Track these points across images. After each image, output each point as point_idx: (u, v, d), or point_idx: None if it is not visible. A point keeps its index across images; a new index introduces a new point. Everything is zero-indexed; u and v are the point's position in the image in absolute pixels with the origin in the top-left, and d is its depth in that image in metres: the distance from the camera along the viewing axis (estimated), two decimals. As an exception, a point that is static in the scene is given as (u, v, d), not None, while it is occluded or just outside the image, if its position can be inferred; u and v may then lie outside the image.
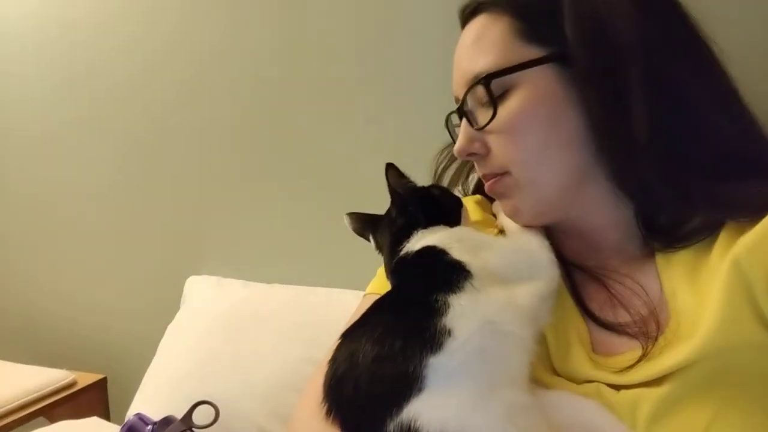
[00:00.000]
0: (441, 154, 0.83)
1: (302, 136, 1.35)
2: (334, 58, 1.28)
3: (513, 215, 0.64)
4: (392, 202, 0.66)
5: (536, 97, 0.58)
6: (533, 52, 0.58)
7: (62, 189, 1.69)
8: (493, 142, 0.61)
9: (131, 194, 1.59)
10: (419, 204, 0.64)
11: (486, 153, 0.62)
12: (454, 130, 0.69)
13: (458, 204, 0.66)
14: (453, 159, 0.81)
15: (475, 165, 0.65)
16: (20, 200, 1.77)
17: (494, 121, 0.59)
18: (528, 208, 0.62)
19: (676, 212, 0.58)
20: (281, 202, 1.40)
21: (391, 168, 0.65)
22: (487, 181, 0.64)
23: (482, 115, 0.60)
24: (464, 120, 0.63)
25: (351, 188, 1.28)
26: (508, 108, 0.59)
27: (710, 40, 0.59)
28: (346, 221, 0.71)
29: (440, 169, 0.83)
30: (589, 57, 0.56)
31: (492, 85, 0.58)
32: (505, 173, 0.61)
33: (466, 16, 0.65)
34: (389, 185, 0.65)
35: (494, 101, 0.59)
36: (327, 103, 1.31)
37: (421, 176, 0.70)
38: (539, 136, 0.59)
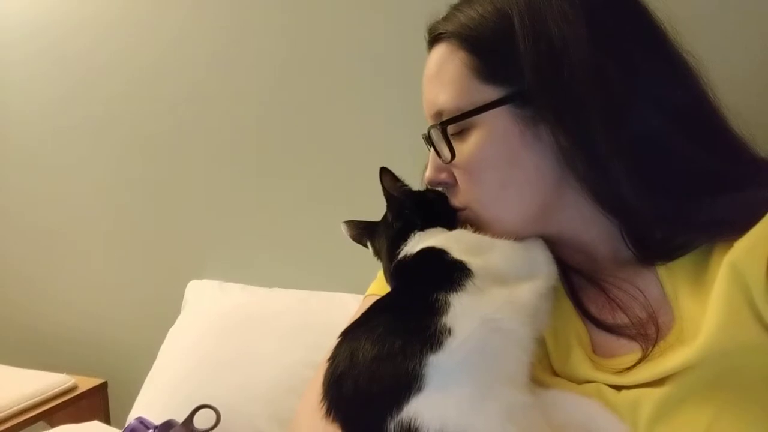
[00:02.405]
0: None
1: (303, 141, 1.35)
2: (337, 64, 1.29)
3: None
4: (388, 206, 0.66)
5: (493, 138, 0.58)
6: (489, 93, 0.58)
7: (62, 193, 1.70)
8: (458, 175, 0.62)
9: (132, 199, 1.60)
10: (415, 207, 0.64)
11: (454, 183, 0.63)
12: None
13: (453, 207, 0.65)
14: None
15: (447, 194, 0.66)
16: (20, 205, 1.77)
17: (456, 158, 0.60)
18: (498, 235, 0.61)
19: (664, 228, 0.56)
20: (282, 206, 1.40)
21: (385, 172, 0.65)
22: (458, 211, 0.64)
23: (446, 150, 0.61)
24: (432, 150, 0.64)
25: (351, 192, 1.28)
26: (468, 146, 0.59)
27: (684, 50, 0.58)
28: (343, 229, 0.72)
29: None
30: (548, 96, 0.55)
31: (449, 129, 0.59)
32: (467, 208, 0.63)
33: (429, 41, 0.65)
34: (384, 189, 0.65)
35: (450, 146, 0.60)
36: (328, 108, 1.31)
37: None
38: (496, 176, 0.60)
